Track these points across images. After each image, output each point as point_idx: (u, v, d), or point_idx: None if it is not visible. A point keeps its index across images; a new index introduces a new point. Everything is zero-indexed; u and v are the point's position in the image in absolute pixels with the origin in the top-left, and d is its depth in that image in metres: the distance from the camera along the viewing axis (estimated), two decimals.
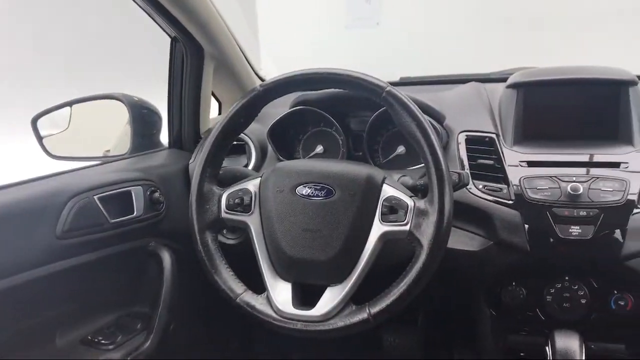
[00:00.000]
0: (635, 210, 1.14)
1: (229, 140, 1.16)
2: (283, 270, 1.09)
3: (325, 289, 1.05)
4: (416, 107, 1.03)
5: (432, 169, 1.00)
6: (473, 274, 1.31)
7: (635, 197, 1.14)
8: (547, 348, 1.23)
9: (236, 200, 1.12)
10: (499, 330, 1.35)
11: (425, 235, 0.99)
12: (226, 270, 1.11)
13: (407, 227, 1.01)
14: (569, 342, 1.20)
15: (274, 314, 1.06)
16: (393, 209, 1.03)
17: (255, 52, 2.11)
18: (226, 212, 1.12)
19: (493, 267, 1.26)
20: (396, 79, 1.84)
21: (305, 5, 2.86)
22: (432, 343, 1.79)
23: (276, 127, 1.42)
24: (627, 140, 1.23)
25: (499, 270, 1.27)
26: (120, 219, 1.26)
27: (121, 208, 1.27)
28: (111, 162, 1.42)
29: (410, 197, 1.04)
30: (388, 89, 1.03)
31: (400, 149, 1.40)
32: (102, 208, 1.22)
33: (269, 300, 1.07)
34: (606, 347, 1.27)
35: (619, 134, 1.26)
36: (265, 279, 1.09)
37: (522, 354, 1.36)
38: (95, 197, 1.22)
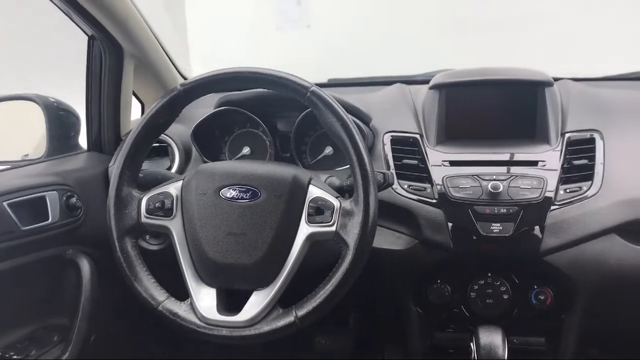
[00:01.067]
0: (552, 207, 1.19)
1: (149, 142, 1.11)
2: (207, 276, 1.06)
3: (251, 293, 1.03)
4: (340, 107, 1.03)
5: (357, 169, 1.00)
6: (400, 273, 1.32)
7: (552, 194, 1.19)
8: (471, 344, 1.26)
9: (157, 204, 1.08)
10: (426, 328, 1.36)
11: (351, 235, 0.99)
12: (147, 277, 1.07)
13: (333, 228, 1.01)
14: (492, 337, 1.23)
15: (197, 321, 1.03)
16: (319, 210, 1.02)
17: (184, 52, 2.06)
18: (146, 217, 1.08)
19: (419, 265, 1.28)
20: (326, 80, 1.84)
21: (236, 7, 2.82)
22: (363, 343, 1.80)
23: (200, 128, 1.38)
24: (544, 139, 1.28)
25: (425, 268, 1.28)
26: (33, 226, 1.19)
27: (34, 214, 1.20)
28: (24, 166, 1.34)
29: (337, 197, 1.04)
30: (312, 89, 1.02)
31: (328, 150, 1.39)
32: (12, 214, 1.15)
33: (192, 307, 1.04)
34: (527, 340, 1.31)
35: (536, 133, 1.31)
36: (189, 285, 1.06)
37: (450, 350, 1.38)
38: (5, 203, 1.14)
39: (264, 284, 1.03)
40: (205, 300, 1.04)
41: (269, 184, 1.04)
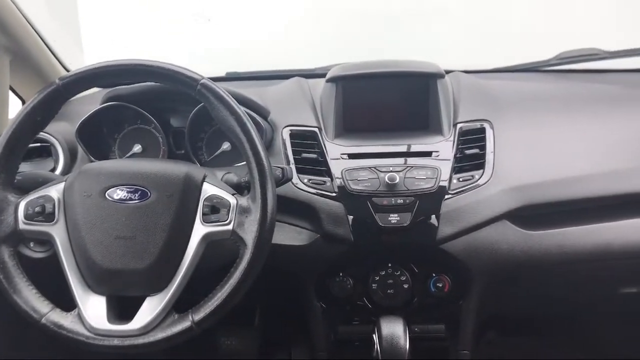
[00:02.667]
0: (446, 196, 1.21)
1: (25, 141, 1.03)
2: (95, 283, 0.99)
3: (145, 299, 0.98)
4: (234, 100, 1.00)
5: (253, 165, 0.99)
6: (302, 268, 1.30)
7: (446, 184, 1.21)
8: (374, 336, 1.27)
9: (36, 209, 0.99)
10: (330, 323, 1.36)
11: (249, 233, 0.97)
12: (28, 288, 0.99)
13: (230, 227, 0.98)
14: (393, 327, 1.25)
15: (86, 332, 0.96)
16: (215, 209, 0.99)
17: (75, 46, 1.93)
18: (25, 223, 0.99)
19: (320, 259, 1.27)
20: (224, 74, 1.79)
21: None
22: (270, 342, 1.78)
23: (86, 126, 1.29)
24: (437, 130, 1.30)
25: (327, 262, 1.28)
26: None
27: None
28: None
29: (233, 194, 1.01)
30: (203, 81, 0.99)
31: (226, 145, 1.35)
32: None
33: (80, 318, 0.98)
34: (428, 328, 1.34)
35: (430, 124, 1.33)
36: (75, 294, 0.99)
37: (356, 343, 1.38)
38: None
39: (157, 288, 0.98)
40: (94, 309, 0.98)
41: (160, 183, 0.99)
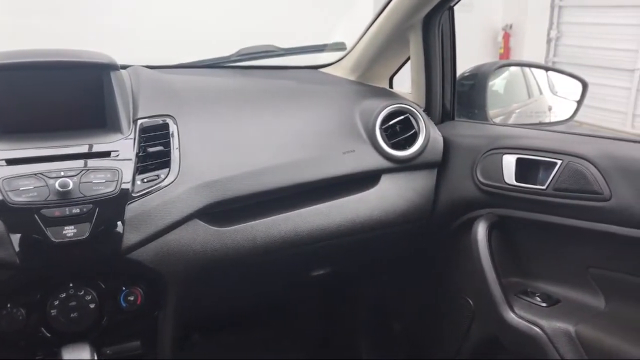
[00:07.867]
0: (130, 200, 1.10)
1: None
2: None
3: None
4: None
5: None
6: None
7: (129, 186, 1.10)
8: None
9: None
10: None
11: None
12: None
13: None
14: (78, 355, 1.08)
15: None
16: None
17: None
18: None
19: None
20: None
21: None
22: None
23: None
24: (116, 127, 1.18)
25: None
26: None
27: None
28: None
29: None
30: None
31: None
32: None
33: None
34: (122, 348, 1.20)
35: (106, 122, 1.20)
36: None
37: None
38: None
39: None
40: None
41: None
